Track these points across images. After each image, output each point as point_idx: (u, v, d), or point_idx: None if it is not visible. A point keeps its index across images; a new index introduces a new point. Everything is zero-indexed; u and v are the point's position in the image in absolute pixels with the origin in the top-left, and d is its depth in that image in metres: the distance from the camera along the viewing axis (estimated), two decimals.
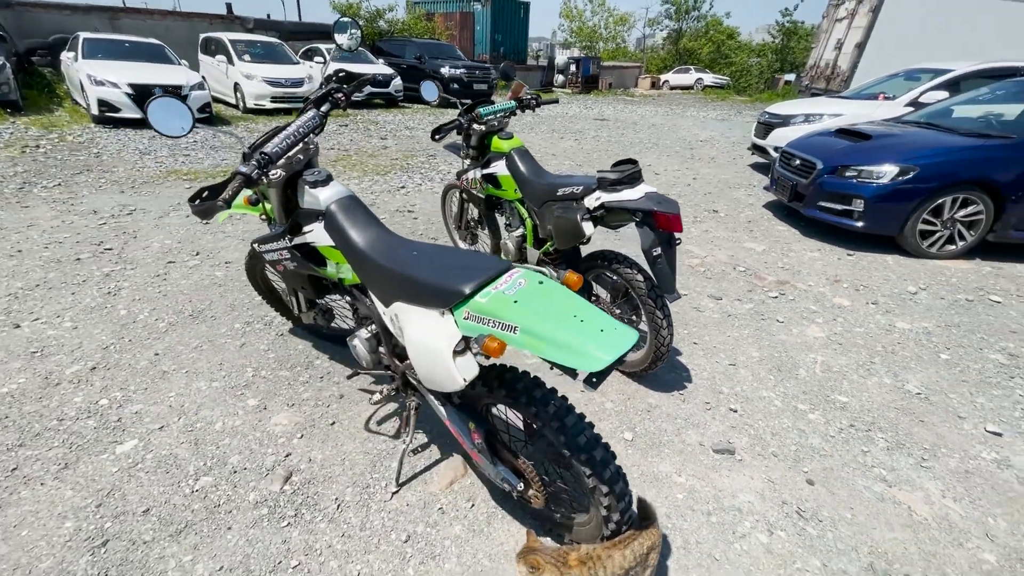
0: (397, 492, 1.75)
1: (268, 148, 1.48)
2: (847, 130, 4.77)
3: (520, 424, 1.60)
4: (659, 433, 2.11)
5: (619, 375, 2.46)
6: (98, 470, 1.77)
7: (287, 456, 1.87)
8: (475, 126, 2.71)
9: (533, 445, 1.49)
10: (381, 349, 1.73)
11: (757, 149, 7.21)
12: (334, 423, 2.05)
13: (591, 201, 2.13)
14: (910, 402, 2.38)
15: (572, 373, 1.06)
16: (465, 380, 1.18)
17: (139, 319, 2.71)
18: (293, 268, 1.74)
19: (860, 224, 4.15)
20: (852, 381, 2.51)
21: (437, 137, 2.66)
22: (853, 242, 4.39)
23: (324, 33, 15.69)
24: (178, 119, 1.35)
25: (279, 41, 11.57)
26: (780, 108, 7.09)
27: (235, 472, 1.79)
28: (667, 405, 2.28)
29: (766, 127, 6.91)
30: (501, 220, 3.02)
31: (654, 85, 27.78)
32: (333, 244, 1.57)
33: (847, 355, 2.73)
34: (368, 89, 11.91)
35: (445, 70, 13.02)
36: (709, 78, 27.74)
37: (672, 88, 27.64)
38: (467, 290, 1.15)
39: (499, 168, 2.66)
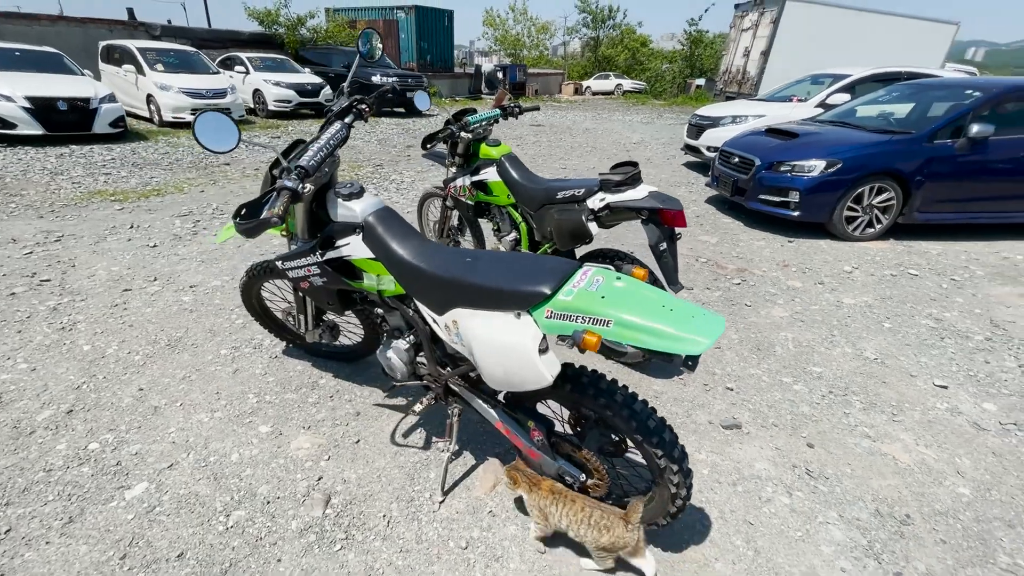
0: (443, 501, 1.74)
1: (305, 162, 1.44)
2: (776, 129, 5.27)
3: (565, 418, 1.66)
4: (671, 417, 2.25)
5: (621, 367, 2.58)
6: (111, 519, 1.61)
7: (319, 479, 1.81)
8: (462, 134, 2.74)
9: (587, 436, 1.55)
10: (419, 359, 1.72)
11: (690, 149, 7.73)
12: (359, 441, 2.00)
13: (594, 202, 2.24)
14: (871, 367, 2.69)
15: (668, 359, 1.14)
16: (552, 376, 1.23)
17: (108, 354, 2.47)
18: (322, 284, 1.69)
19: (796, 213, 4.61)
20: (821, 353, 2.80)
21: (428, 146, 2.66)
22: (791, 230, 4.85)
23: (241, 41, 14.86)
24: (224, 134, 1.28)
25: (194, 49, 10.82)
26: (709, 111, 7.67)
27: (268, 503, 1.70)
28: (671, 391, 2.43)
29: (697, 128, 7.44)
30: (487, 226, 3.07)
31: (577, 91, 28.86)
32: (373, 256, 1.55)
33: (811, 331, 3.04)
34: (297, 99, 11.44)
35: (377, 78, 12.78)
36: (628, 84, 29.23)
37: (594, 94, 28.83)
38: (548, 290, 1.20)
39: (490, 175, 2.70)
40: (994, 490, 1.91)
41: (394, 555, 1.55)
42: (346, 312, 1.84)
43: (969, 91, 4.66)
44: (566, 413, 1.72)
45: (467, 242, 3.37)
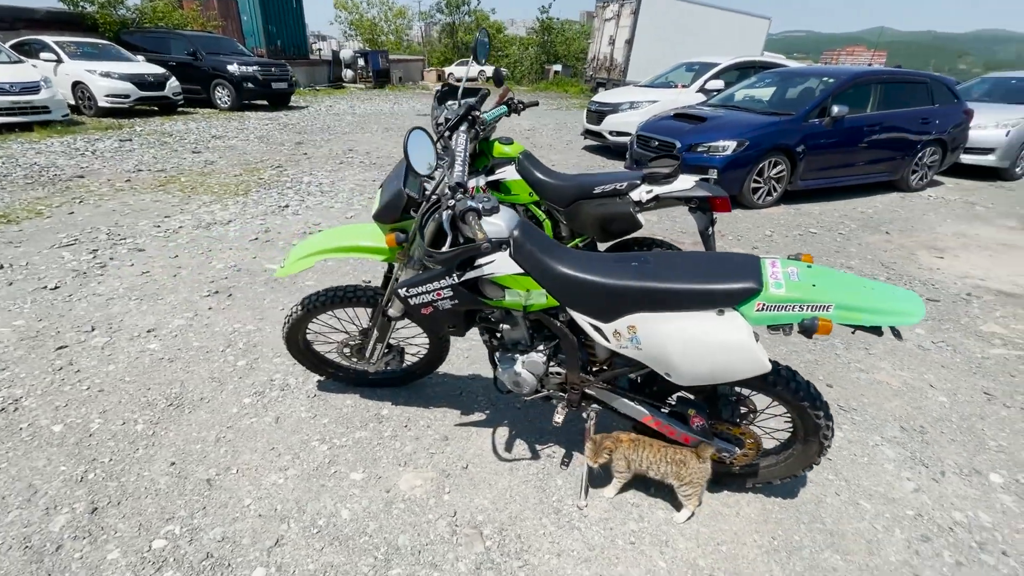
0: (587, 504, 1.76)
1: (457, 179, 1.32)
2: (683, 114, 5.88)
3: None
4: None
5: None
6: None
7: (455, 514, 1.69)
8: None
9: (720, 410, 1.68)
10: (555, 368, 1.69)
11: (591, 134, 8.21)
12: (467, 466, 1.90)
13: (639, 194, 2.35)
14: None
15: (878, 331, 1.31)
16: (769, 362, 1.33)
17: (95, 430, 1.96)
18: (451, 306, 1.55)
19: None
20: None
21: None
22: None
23: (36, 21, 11.98)
24: (425, 154, 1.10)
25: None
26: (606, 97, 8.20)
27: (419, 552, 1.56)
28: None
29: (598, 115, 7.93)
30: None
31: (440, 78, 28.46)
32: (521, 271, 1.48)
33: None
34: (138, 93, 9.64)
35: (233, 68, 11.26)
36: (491, 70, 29.55)
37: (458, 80, 28.69)
38: (756, 285, 1.29)
39: (508, 173, 2.66)
40: (958, 394, 2.48)
41: (579, 567, 1.54)
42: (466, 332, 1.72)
43: (825, 78, 5.68)
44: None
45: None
